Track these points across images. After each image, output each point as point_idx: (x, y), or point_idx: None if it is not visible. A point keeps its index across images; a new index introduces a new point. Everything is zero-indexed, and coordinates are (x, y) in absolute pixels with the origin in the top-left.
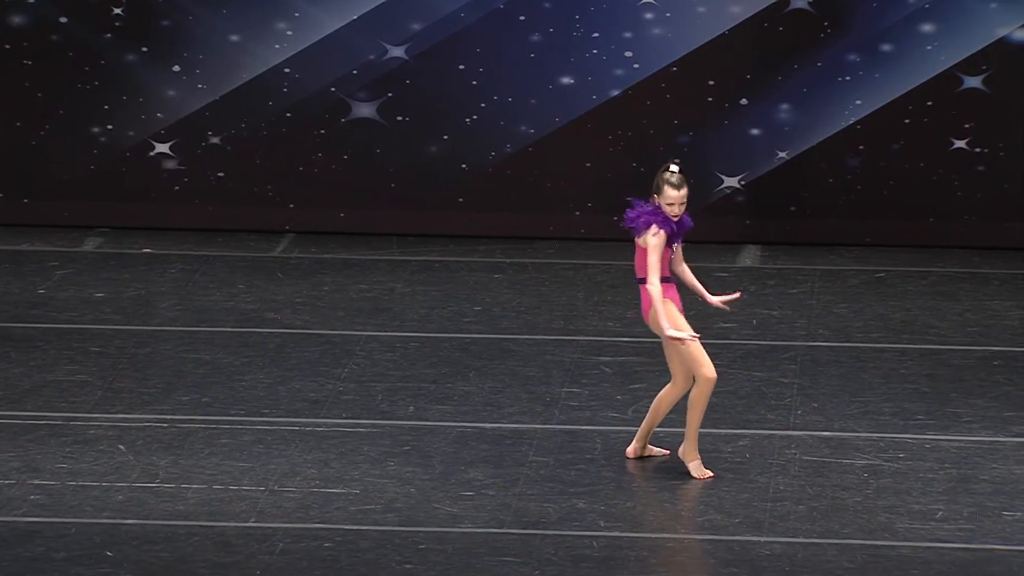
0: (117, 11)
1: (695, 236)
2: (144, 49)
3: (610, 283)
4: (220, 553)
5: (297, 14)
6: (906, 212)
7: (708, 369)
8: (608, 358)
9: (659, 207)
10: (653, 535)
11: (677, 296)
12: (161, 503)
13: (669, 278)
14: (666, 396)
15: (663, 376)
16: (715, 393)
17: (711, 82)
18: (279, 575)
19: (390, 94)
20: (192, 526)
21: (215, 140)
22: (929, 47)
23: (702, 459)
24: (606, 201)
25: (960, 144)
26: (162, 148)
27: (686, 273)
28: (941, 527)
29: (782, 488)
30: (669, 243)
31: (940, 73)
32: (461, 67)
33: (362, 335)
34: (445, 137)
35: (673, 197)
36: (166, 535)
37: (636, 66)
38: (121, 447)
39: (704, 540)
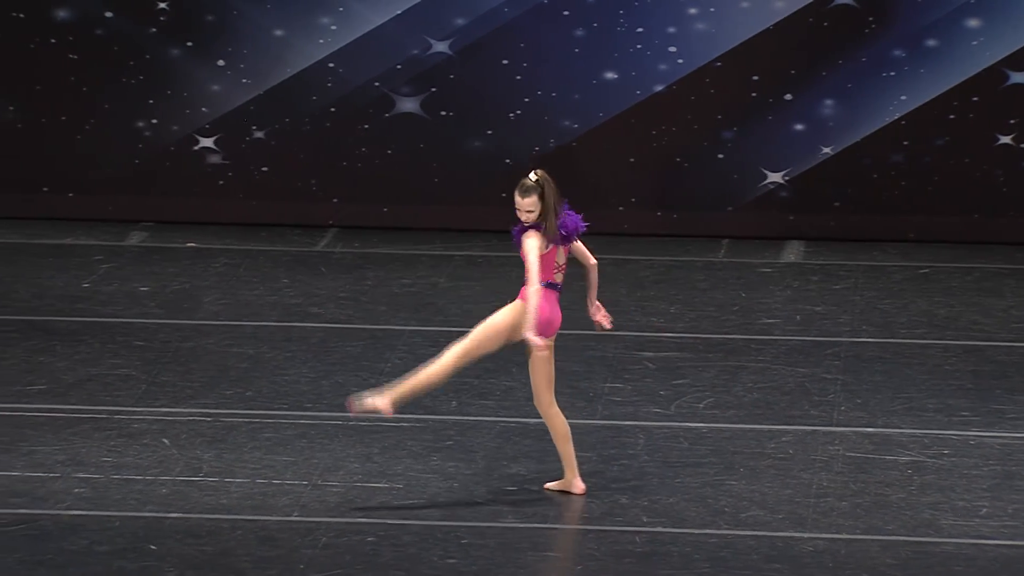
0: (162, 5)
1: (740, 231)
2: (189, 44)
3: (653, 278)
4: (263, 547)
5: (341, 9)
6: (950, 208)
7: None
8: (651, 353)
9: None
10: (696, 531)
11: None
12: (204, 497)
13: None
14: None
15: (706, 372)
16: (759, 389)
17: (755, 77)
18: (322, 569)
19: (434, 89)
20: (235, 520)
21: (259, 135)
22: (975, 42)
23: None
24: (649, 196)
25: (1005, 140)
26: (206, 143)
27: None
28: (985, 524)
29: (825, 484)
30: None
31: (986, 68)
32: (505, 62)
33: (405, 330)
34: (488, 132)
35: (517, 203)
36: (209, 529)
37: (680, 61)
38: (165, 441)
39: (747, 536)
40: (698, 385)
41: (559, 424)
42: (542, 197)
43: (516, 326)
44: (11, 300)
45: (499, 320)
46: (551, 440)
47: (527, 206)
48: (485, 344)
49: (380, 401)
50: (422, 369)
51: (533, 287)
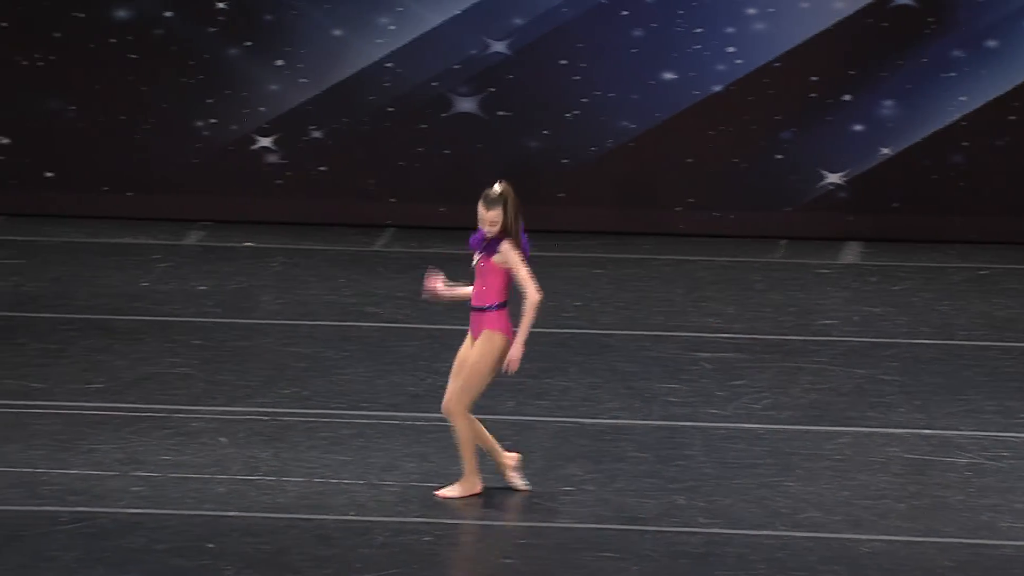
0: (221, 5)
1: (798, 232)
2: (247, 43)
3: (710, 279)
4: (320, 546)
5: (400, 9)
6: (1010, 209)
7: (446, 392)
8: (708, 354)
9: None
10: (752, 532)
11: (471, 322)
12: (262, 495)
13: (470, 304)
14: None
15: (763, 372)
16: (816, 390)
17: (814, 78)
18: (378, 568)
19: (492, 89)
20: (292, 519)
21: (317, 134)
22: None
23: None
24: (707, 197)
25: None
26: (264, 142)
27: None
28: None
29: (883, 486)
30: (473, 246)
31: None
32: (563, 62)
33: (462, 329)
34: (546, 132)
35: (481, 214)
36: (266, 527)
37: (739, 62)
38: (222, 439)
39: (804, 537)
40: (755, 386)
41: (474, 428)
42: (505, 209)
43: (500, 357)
44: (70, 299)
45: (479, 360)
46: (608, 440)
47: (491, 219)
48: (481, 387)
49: (465, 486)
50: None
51: (534, 298)
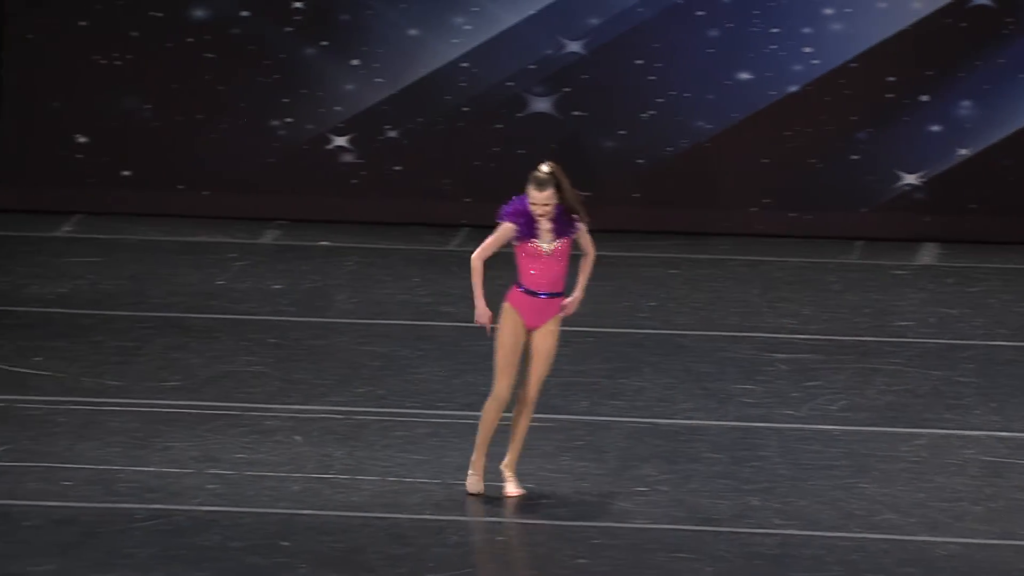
0: (298, 5)
1: (874, 233)
2: (324, 43)
3: (786, 280)
4: (394, 545)
5: (475, 9)
6: None
7: (500, 387)
8: (784, 355)
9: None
10: (827, 534)
11: (529, 305)
12: (336, 494)
13: (532, 291)
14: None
15: (838, 374)
16: (892, 391)
17: (891, 78)
18: (452, 568)
19: (567, 89)
20: (366, 517)
21: (392, 134)
22: None
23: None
24: (783, 197)
25: None
26: (340, 141)
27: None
28: None
29: (959, 488)
30: (521, 238)
31: None
32: (638, 62)
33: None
34: (621, 132)
35: (534, 197)
36: (341, 526)
37: (815, 62)
38: (297, 438)
39: (879, 540)
40: (831, 387)
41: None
42: (559, 187)
43: (518, 323)
44: (147, 297)
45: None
46: (682, 440)
47: (544, 199)
48: (514, 360)
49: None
50: (486, 428)
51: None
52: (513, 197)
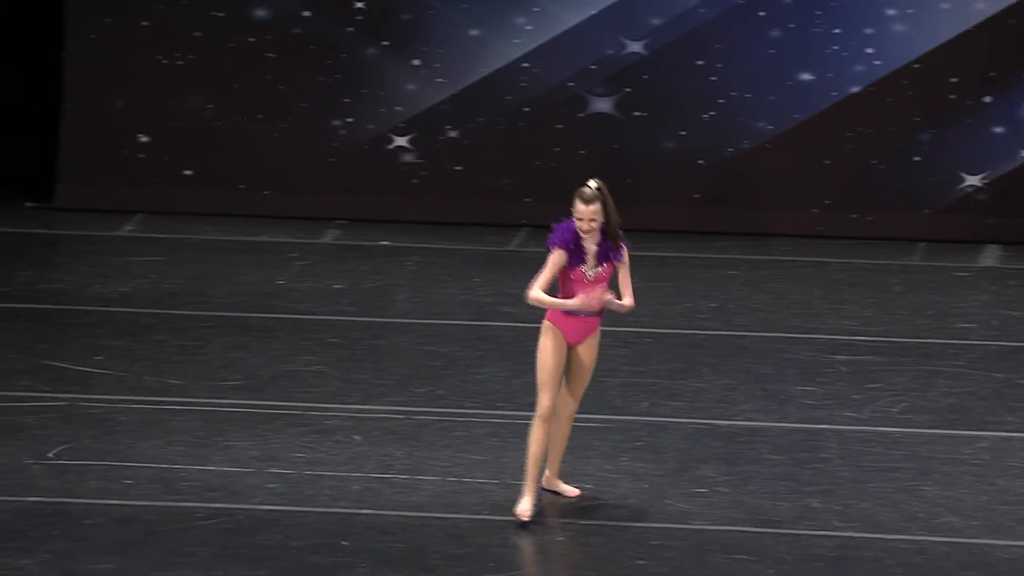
0: (359, 5)
1: (936, 234)
2: (385, 43)
3: (847, 281)
4: (453, 545)
5: (536, 9)
6: None
7: (543, 403)
8: (844, 356)
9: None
10: (889, 536)
11: (570, 324)
12: (396, 494)
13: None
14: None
15: (900, 376)
16: (954, 394)
17: (953, 79)
18: (511, 568)
19: (628, 89)
20: (426, 517)
21: (453, 134)
22: None
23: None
24: (844, 198)
25: None
26: (401, 141)
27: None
28: None
29: (1022, 491)
30: (572, 264)
31: None
32: (699, 63)
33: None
34: (682, 133)
35: (580, 211)
36: (400, 525)
37: (877, 63)
38: (357, 437)
39: (941, 543)
40: (892, 389)
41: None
42: (604, 204)
43: (559, 340)
44: (208, 296)
45: (545, 351)
46: (742, 442)
47: (590, 214)
48: (556, 375)
49: (525, 505)
50: (536, 442)
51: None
52: (553, 225)
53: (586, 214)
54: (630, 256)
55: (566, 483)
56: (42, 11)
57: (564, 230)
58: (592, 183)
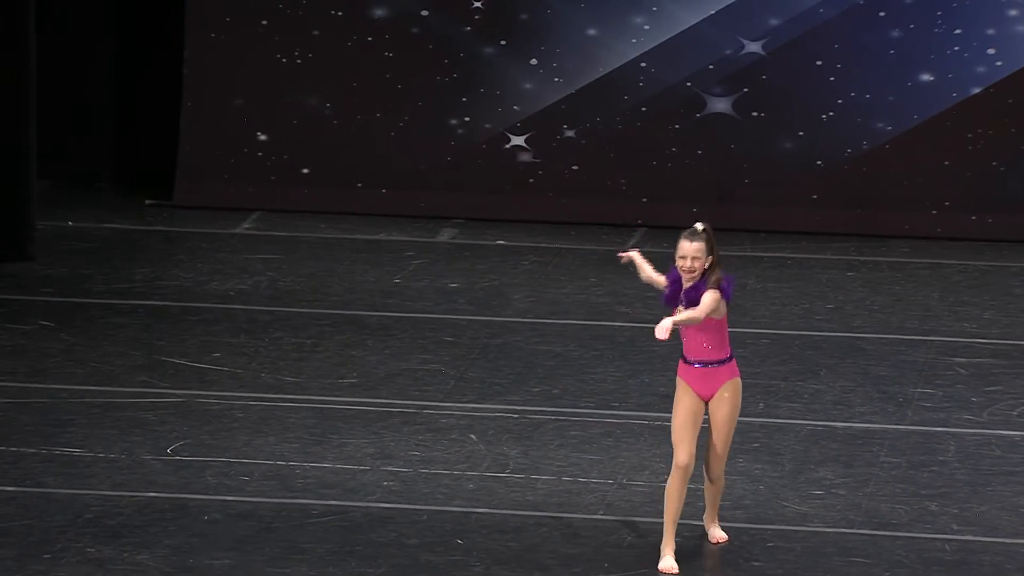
0: (477, 4)
1: None
2: (502, 42)
3: (966, 283)
4: (568, 544)
5: (655, 8)
6: None
7: (679, 457)
8: (963, 359)
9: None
10: (1009, 540)
11: (690, 375)
12: (511, 493)
13: (687, 359)
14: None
15: (1020, 379)
16: None
17: None
18: (627, 568)
19: (746, 89)
20: (541, 517)
21: (570, 133)
22: None
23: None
24: (964, 200)
25: None
26: (517, 141)
27: None
28: None
29: None
30: (668, 303)
31: None
32: (819, 63)
33: None
34: (800, 133)
35: (684, 249)
36: (515, 525)
37: (999, 63)
38: (472, 436)
39: None
40: (1012, 392)
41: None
42: (709, 243)
43: (689, 393)
44: (325, 294)
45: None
46: (859, 444)
47: (694, 252)
48: (690, 430)
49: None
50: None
51: (699, 317)
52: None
53: (689, 252)
54: (721, 291)
55: (717, 525)
56: (162, 11)
57: (672, 272)
58: (699, 225)
